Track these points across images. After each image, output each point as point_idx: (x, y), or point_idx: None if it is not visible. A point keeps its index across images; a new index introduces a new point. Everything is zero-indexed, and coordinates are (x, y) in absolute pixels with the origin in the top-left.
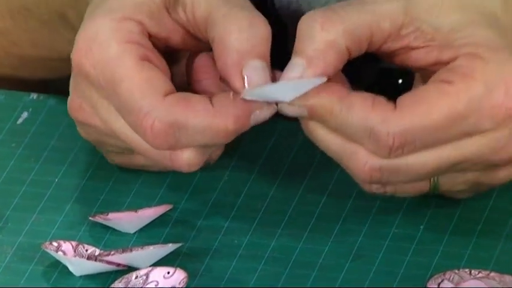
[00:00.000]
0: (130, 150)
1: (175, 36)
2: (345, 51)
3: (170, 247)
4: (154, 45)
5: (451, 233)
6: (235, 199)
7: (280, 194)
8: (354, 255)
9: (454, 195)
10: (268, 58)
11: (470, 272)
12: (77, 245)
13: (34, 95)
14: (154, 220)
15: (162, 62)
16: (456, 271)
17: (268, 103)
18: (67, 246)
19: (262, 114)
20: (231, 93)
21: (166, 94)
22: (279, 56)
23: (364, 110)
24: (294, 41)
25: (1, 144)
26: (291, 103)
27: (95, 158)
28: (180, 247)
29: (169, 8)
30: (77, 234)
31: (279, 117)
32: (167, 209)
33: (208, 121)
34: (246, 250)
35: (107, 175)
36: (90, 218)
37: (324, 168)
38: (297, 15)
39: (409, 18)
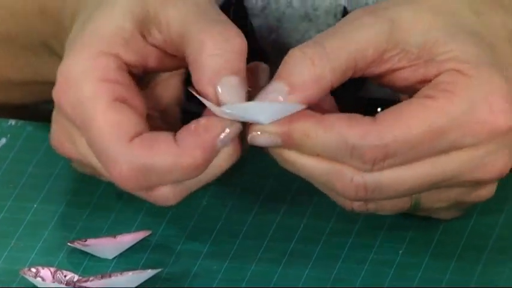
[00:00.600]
0: None
1: (153, 60)
2: (328, 84)
3: (149, 272)
4: (132, 73)
5: (430, 258)
6: (214, 224)
7: (258, 219)
8: (333, 280)
9: (434, 214)
10: (244, 72)
11: None
12: (56, 271)
13: (12, 121)
14: (133, 246)
15: (137, 97)
16: None
17: (231, 122)
18: (45, 272)
19: (228, 136)
20: (193, 126)
21: (133, 137)
22: None
23: (341, 129)
24: (275, 68)
25: None
26: (261, 133)
27: (74, 184)
28: (159, 272)
29: (143, 32)
30: (56, 260)
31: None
32: (146, 235)
33: (174, 160)
34: (225, 275)
35: (86, 201)
36: (68, 243)
37: (302, 192)
38: (277, 44)
39: (392, 43)
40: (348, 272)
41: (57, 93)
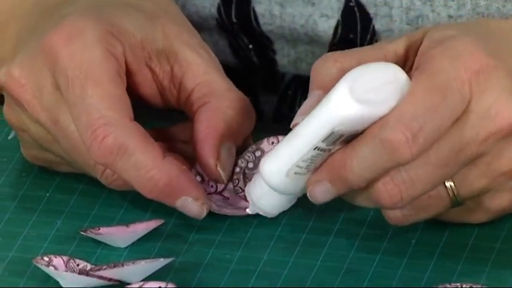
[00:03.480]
0: (50, 143)
1: (143, 81)
2: None
3: (162, 261)
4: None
5: (442, 247)
6: None
7: None
8: (345, 270)
9: (486, 201)
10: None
11: (462, 286)
12: (68, 260)
13: None
14: (146, 234)
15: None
16: (447, 285)
17: (201, 205)
18: (58, 261)
19: (190, 206)
20: (185, 168)
21: (132, 120)
22: (266, 69)
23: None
24: (278, 54)
25: None
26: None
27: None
28: (171, 261)
29: (150, 53)
30: (68, 248)
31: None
32: (159, 224)
33: (149, 165)
34: (237, 264)
35: (99, 190)
36: (81, 232)
37: None
38: (281, 30)
39: (411, 53)
40: (361, 262)
41: (55, 41)
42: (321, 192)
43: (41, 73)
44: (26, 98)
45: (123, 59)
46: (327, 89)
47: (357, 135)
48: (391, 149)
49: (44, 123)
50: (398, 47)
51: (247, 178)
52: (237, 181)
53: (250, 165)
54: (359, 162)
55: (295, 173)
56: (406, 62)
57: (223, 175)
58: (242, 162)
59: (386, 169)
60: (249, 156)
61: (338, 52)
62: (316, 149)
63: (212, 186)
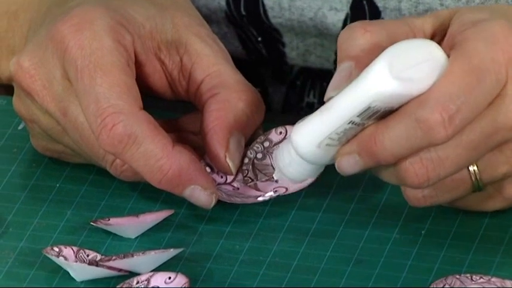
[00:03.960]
0: (60, 134)
1: (152, 72)
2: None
3: (171, 252)
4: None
5: (452, 238)
6: (236, 204)
7: (281, 199)
8: (355, 260)
9: (507, 186)
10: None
11: (472, 277)
12: (78, 250)
13: None
14: (156, 225)
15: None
16: (457, 276)
17: (209, 194)
18: (68, 251)
19: (198, 195)
20: (194, 157)
21: (141, 108)
22: (275, 61)
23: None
24: (287, 46)
25: (2, 150)
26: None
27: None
28: (181, 252)
29: (159, 43)
30: (78, 239)
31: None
32: (169, 214)
33: (158, 154)
34: (247, 255)
35: (109, 180)
36: (91, 223)
37: (325, 172)
38: (290, 22)
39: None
40: (370, 252)
41: (65, 30)
42: (349, 164)
43: (50, 63)
44: (35, 89)
45: (132, 49)
46: (357, 59)
47: (391, 111)
48: (427, 129)
49: (53, 113)
50: (426, 24)
51: (256, 168)
52: (246, 171)
53: (259, 155)
54: (391, 139)
55: (327, 144)
56: (433, 40)
57: (232, 166)
58: (251, 153)
59: (418, 148)
60: (257, 147)
61: (365, 21)
62: (350, 123)
63: (222, 177)
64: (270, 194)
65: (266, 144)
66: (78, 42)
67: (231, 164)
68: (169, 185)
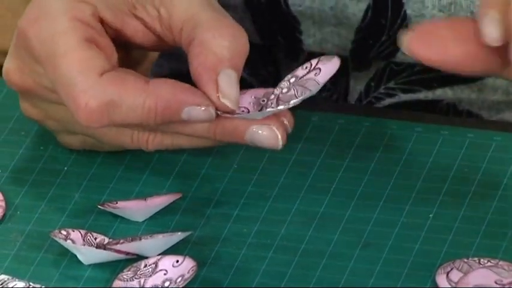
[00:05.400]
0: (72, 122)
1: (131, 31)
2: None
3: (179, 235)
4: (107, 32)
5: (460, 222)
6: (245, 187)
7: (289, 182)
8: (363, 244)
9: None
10: (241, 72)
11: (479, 260)
12: (86, 234)
13: None
14: (164, 208)
15: (109, 47)
16: (465, 260)
17: (205, 109)
18: (76, 234)
19: (196, 114)
20: (173, 80)
21: (103, 73)
22: (292, 51)
23: None
24: (304, 34)
25: (10, 133)
26: None
27: None
28: (189, 235)
29: (133, 2)
30: (86, 222)
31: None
32: (176, 198)
33: (141, 100)
34: (255, 238)
35: (116, 163)
36: (99, 206)
37: (333, 157)
38: (310, 10)
39: None
40: (378, 236)
41: (26, 25)
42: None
43: (25, 59)
44: (29, 87)
45: (96, 19)
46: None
47: None
48: None
49: (56, 101)
50: None
51: (280, 100)
52: (270, 103)
53: (285, 90)
54: None
55: None
56: None
57: (230, 103)
58: (277, 90)
59: None
60: (284, 84)
61: None
62: None
63: (243, 111)
64: (294, 101)
65: (292, 80)
66: (35, 32)
67: (227, 101)
68: (165, 117)
